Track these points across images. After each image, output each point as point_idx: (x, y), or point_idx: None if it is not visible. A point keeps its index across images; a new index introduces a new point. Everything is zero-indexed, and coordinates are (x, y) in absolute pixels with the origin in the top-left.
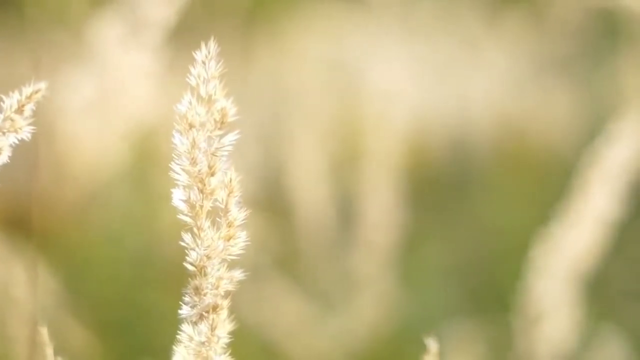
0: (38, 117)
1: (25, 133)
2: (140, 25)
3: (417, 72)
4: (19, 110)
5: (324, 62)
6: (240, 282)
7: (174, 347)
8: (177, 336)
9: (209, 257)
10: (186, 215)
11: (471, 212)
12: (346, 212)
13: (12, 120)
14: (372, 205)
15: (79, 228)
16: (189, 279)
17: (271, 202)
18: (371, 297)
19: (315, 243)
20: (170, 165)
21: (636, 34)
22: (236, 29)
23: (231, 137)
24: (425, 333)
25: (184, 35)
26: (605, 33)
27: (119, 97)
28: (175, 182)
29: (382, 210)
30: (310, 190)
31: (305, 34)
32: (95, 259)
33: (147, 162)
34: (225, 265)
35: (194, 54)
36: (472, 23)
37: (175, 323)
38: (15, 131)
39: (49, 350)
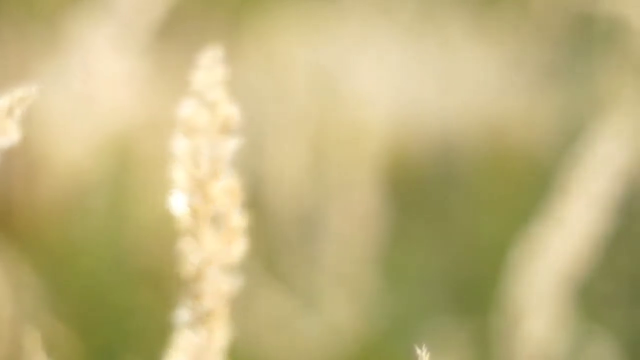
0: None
1: (15, 137)
2: (122, 28)
3: (399, 76)
4: (9, 114)
5: (305, 63)
6: (240, 289)
7: (168, 351)
8: (167, 339)
9: (209, 262)
10: (186, 220)
11: (453, 214)
12: (326, 212)
13: (1, 123)
14: (352, 205)
15: (58, 229)
16: (189, 284)
17: (250, 200)
18: (351, 296)
19: (295, 242)
20: (150, 171)
21: (616, 39)
22: (220, 29)
23: (235, 143)
24: (406, 332)
25: (167, 37)
26: (586, 38)
27: (99, 99)
28: (175, 187)
29: (362, 210)
30: (290, 189)
31: (287, 36)
32: (75, 259)
33: (126, 164)
34: (225, 271)
35: (195, 56)
36: (453, 26)
37: (156, 321)
38: (5, 134)
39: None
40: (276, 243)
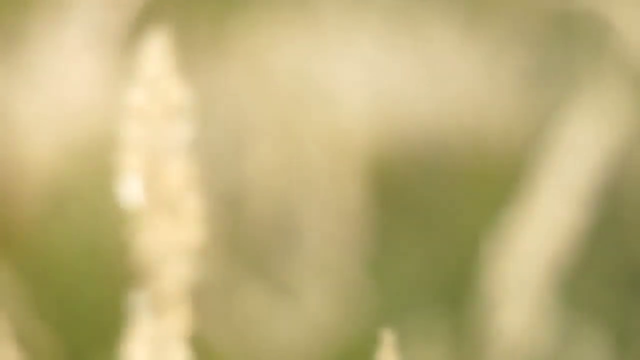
0: None
1: None
2: (96, 27)
3: (379, 78)
4: None
5: (286, 65)
6: (200, 276)
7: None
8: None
9: (165, 250)
10: (140, 207)
11: (435, 212)
12: (310, 211)
13: None
14: (336, 204)
15: (37, 234)
16: (147, 272)
17: (233, 201)
18: (332, 292)
19: (278, 240)
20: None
21: (591, 35)
22: (200, 29)
23: (187, 128)
24: (388, 329)
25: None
26: (567, 38)
27: (73, 101)
28: (128, 173)
29: (346, 209)
30: (274, 188)
31: (267, 38)
32: (55, 264)
33: (102, 167)
34: (183, 258)
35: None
36: (434, 28)
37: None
38: None
39: (10, 343)
40: (258, 242)
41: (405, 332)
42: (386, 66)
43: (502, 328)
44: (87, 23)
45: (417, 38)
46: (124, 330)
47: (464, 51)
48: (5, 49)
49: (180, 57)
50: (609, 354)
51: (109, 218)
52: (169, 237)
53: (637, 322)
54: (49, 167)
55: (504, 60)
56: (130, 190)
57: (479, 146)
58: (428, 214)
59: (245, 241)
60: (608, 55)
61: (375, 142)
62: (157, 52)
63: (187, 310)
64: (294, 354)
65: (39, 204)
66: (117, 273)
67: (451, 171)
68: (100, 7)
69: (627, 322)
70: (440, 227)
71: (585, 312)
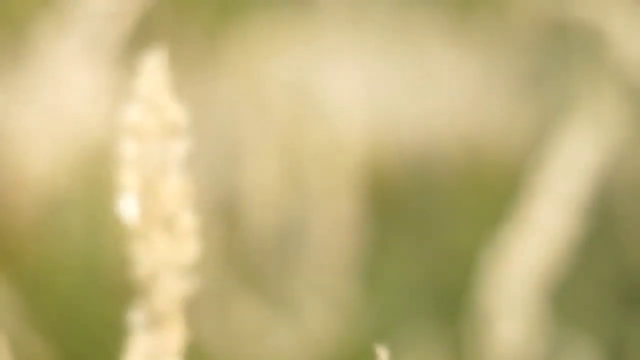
0: None
1: None
2: (93, 40)
3: (375, 88)
4: None
5: (280, 79)
6: (195, 291)
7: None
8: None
9: (161, 265)
10: (137, 223)
11: (431, 223)
12: (304, 224)
13: None
14: (329, 217)
15: (34, 244)
16: (141, 287)
17: (229, 214)
18: (328, 307)
19: (273, 252)
20: (121, 181)
21: (589, 46)
22: (195, 43)
23: (183, 145)
24: (384, 341)
25: (139, 49)
26: (562, 46)
27: (70, 112)
28: (123, 189)
29: (340, 221)
30: (268, 202)
31: (263, 51)
32: (51, 276)
33: (98, 180)
34: (178, 273)
35: (143, 59)
36: (430, 36)
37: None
38: None
39: (7, 355)
40: (254, 254)
41: (402, 345)
42: (382, 77)
43: (498, 340)
44: (85, 36)
45: (413, 49)
46: (120, 344)
47: (460, 61)
48: (3, 61)
49: (175, 72)
50: None
51: (105, 231)
52: (164, 252)
53: (632, 333)
54: (46, 180)
55: (500, 69)
56: (126, 205)
57: (474, 157)
58: (424, 226)
59: (241, 256)
60: (603, 64)
61: (371, 153)
62: (152, 69)
63: (182, 325)
64: None
65: (36, 217)
66: (113, 287)
67: (447, 183)
68: (98, 19)
69: (622, 333)
70: (437, 239)
71: (580, 323)
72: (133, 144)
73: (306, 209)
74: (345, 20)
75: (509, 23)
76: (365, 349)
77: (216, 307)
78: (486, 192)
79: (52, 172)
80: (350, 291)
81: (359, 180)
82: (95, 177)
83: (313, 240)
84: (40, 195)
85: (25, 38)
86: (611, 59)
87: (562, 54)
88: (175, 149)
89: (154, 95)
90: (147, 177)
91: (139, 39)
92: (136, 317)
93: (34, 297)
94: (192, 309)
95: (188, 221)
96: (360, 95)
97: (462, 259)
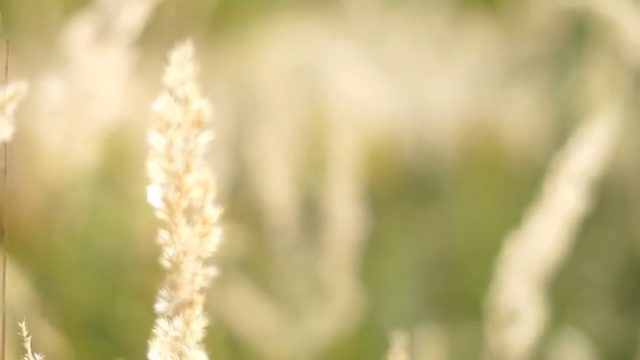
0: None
1: (7, 133)
2: (110, 28)
3: (384, 75)
4: (1, 110)
5: (289, 67)
6: (211, 283)
7: (148, 342)
8: (152, 331)
9: (185, 254)
10: (162, 212)
11: (439, 215)
12: (312, 215)
13: None
14: (338, 208)
15: (48, 230)
16: (166, 274)
17: (236, 206)
18: (338, 299)
19: (281, 246)
20: (138, 167)
21: (603, 36)
22: (204, 32)
23: (207, 137)
24: (388, 340)
25: (152, 38)
26: (572, 35)
27: (88, 99)
28: (151, 180)
29: (348, 213)
30: (277, 193)
31: (271, 38)
32: (65, 260)
33: (116, 164)
34: (201, 262)
35: (169, 54)
36: (439, 26)
37: (145, 324)
38: None
39: (27, 345)
40: (262, 250)
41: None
42: (396, 63)
43: (506, 342)
44: (105, 21)
45: (426, 34)
46: (134, 334)
47: (470, 50)
48: (27, 48)
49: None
50: None
51: (125, 221)
52: (187, 241)
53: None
54: (62, 160)
55: (515, 56)
56: (150, 194)
57: (487, 145)
58: (436, 220)
59: (251, 251)
60: (617, 53)
61: (376, 143)
62: (180, 62)
63: (201, 313)
64: None
65: (51, 206)
66: (130, 274)
67: (452, 175)
68: (117, 8)
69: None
70: (447, 238)
71: (577, 323)
72: (159, 134)
73: (316, 199)
74: (356, 10)
75: (521, 12)
76: (372, 341)
77: (227, 300)
78: (494, 177)
79: (69, 155)
80: (359, 285)
81: (363, 174)
82: (112, 162)
83: (315, 237)
84: (57, 177)
85: (51, 33)
86: (625, 48)
87: (576, 42)
88: (200, 139)
89: (180, 86)
90: (172, 166)
91: (152, 28)
92: (161, 304)
93: (44, 284)
94: (206, 302)
95: (210, 211)
96: (370, 82)
97: (472, 249)
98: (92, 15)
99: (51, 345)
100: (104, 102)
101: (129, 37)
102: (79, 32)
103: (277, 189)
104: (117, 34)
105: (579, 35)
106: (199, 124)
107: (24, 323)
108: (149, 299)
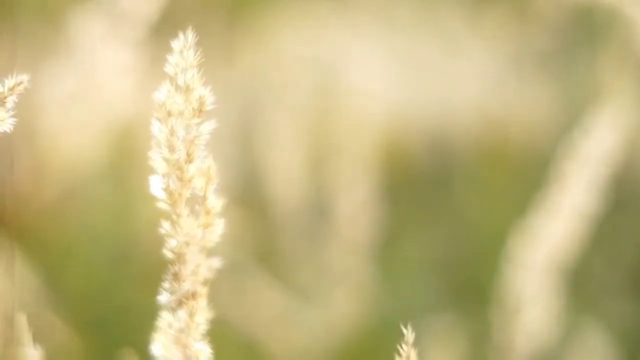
0: (16, 111)
1: (7, 125)
2: (121, 20)
3: (397, 68)
4: (1, 102)
5: (302, 59)
6: (218, 275)
7: (152, 334)
8: (156, 324)
9: (188, 244)
10: (165, 202)
11: (451, 207)
12: (324, 207)
13: None
14: (350, 200)
15: (57, 223)
16: (169, 265)
17: (249, 196)
18: (349, 291)
19: (293, 238)
20: (149, 160)
21: (614, 29)
22: (217, 25)
23: (209, 126)
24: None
25: (165, 30)
26: (584, 28)
27: (98, 92)
28: (154, 170)
29: (360, 205)
30: (288, 184)
31: (285, 30)
32: (74, 253)
33: (126, 158)
34: (204, 253)
35: (171, 43)
36: (451, 18)
37: (153, 317)
38: None
39: (27, 337)
40: (274, 239)
41: (421, 335)
42: (405, 59)
43: (519, 332)
44: (116, 16)
45: (437, 32)
46: (141, 324)
47: (484, 44)
48: (37, 40)
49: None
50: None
51: (131, 211)
52: (190, 232)
53: None
54: (73, 155)
55: (526, 50)
56: (154, 185)
57: (498, 138)
58: (445, 212)
59: (263, 241)
60: (627, 47)
61: (393, 136)
62: (181, 51)
63: (206, 304)
64: (312, 352)
65: (61, 196)
66: (139, 268)
67: (469, 166)
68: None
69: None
70: (459, 225)
71: (588, 314)
72: (163, 124)
73: (328, 190)
74: (368, 4)
75: (533, 6)
76: (384, 333)
77: (237, 291)
78: (507, 170)
79: (79, 150)
80: (371, 276)
81: (380, 164)
82: (122, 156)
83: (333, 225)
84: (67, 172)
85: (58, 20)
86: (636, 41)
87: (585, 36)
88: (201, 128)
89: (183, 77)
90: (174, 156)
91: (164, 20)
92: (165, 295)
93: (53, 277)
94: (215, 293)
95: (212, 201)
96: (383, 75)
97: (481, 243)
98: (104, 6)
99: (60, 337)
100: (115, 95)
101: (142, 29)
102: (91, 23)
103: (290, 179)
104: (130, 25)
105: (591, 29)
106: (200, 113)
107: (24, 315)
108: (159, 291)
